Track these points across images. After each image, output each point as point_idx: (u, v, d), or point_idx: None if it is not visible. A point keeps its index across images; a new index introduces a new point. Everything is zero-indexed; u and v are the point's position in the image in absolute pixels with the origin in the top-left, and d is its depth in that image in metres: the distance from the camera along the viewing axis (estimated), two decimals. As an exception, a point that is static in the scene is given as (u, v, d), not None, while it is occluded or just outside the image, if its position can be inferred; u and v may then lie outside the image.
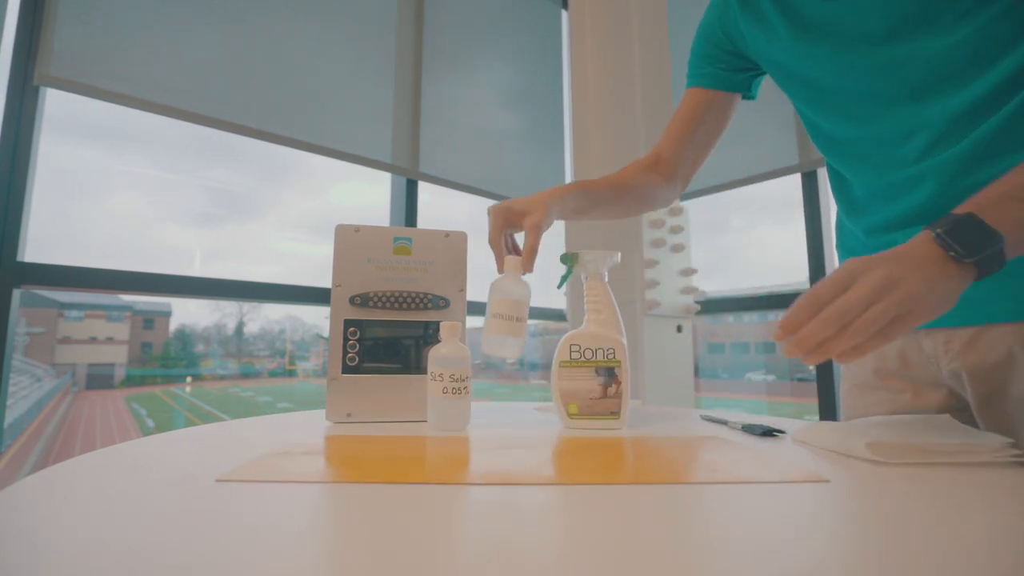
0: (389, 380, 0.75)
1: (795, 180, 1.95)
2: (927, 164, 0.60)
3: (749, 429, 0.64)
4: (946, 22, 0.57)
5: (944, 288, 0.46)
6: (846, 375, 0.78)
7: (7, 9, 1.30)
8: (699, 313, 2.11)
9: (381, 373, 0.75)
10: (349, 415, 0.73)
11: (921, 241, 0.47)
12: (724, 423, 0.71)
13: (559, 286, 0.72)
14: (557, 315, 2.42)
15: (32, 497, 0.36)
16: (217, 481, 0.40)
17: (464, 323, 0.77)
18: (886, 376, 0.71)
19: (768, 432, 0.62)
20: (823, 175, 1.87)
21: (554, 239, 2.50)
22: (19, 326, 1.32)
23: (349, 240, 0.77)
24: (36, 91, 1.32)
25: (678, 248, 2.08)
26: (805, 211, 1.90)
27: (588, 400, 0.68)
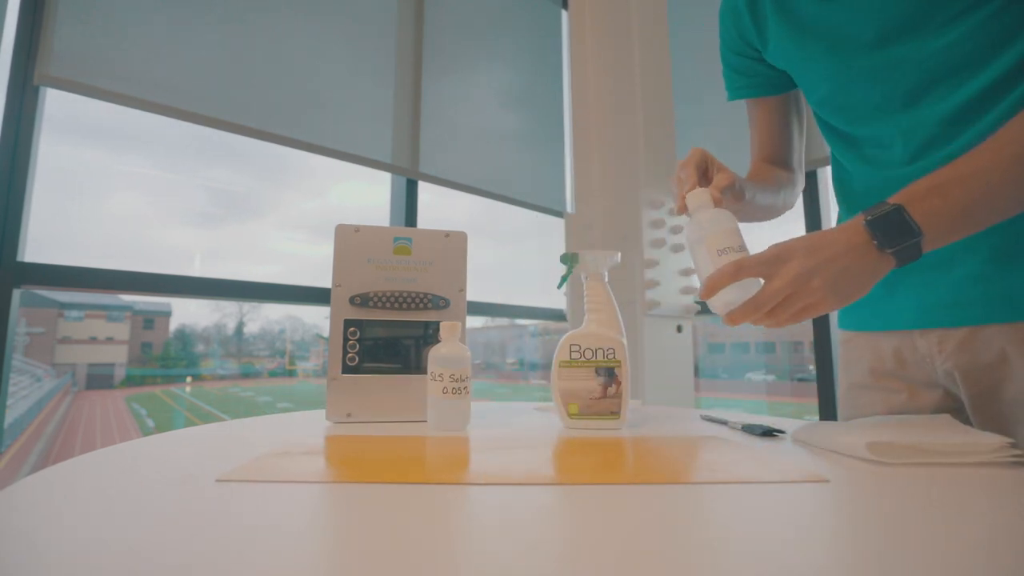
0: (389, 380, 0.75)
1: (795, 180, 1.94)
2: (920, 164, 0.61)
3: (749, 429, 0.64)
4: (938, 24, 0.57)
5: (860, 276, 0.50)
6: (843, 376, 0.78)
7: (7, 9, 1.30)
8: (699, 313, 2.11)
9: (381, 373, 0.75)
10: (349, 415, 0.73)
11: (852, 224, 0.51)
12: (724, 423, 0.71)
13: (559, 286, 0.72)
14: (557, 315, 2.42)
15: (32, 497, 0.36)
16: (217, 481, 0.40)
17: (464, 323, 0.77)
18: (882, 376, 0.71)
19: (768, 432, 0.62)
20: (823, 175, 1.87)
21: (554, 239, 2.50)
22: (19, 326, 1.32)
23: (349, 240, 0.77)
24: (36, 91, 1.32)
25: (678, 248, 2.08)
26: (805, 211, 1.90)
27: (588, 400, 0.68)
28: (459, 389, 0.67)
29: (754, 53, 0.78)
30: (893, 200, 0.50)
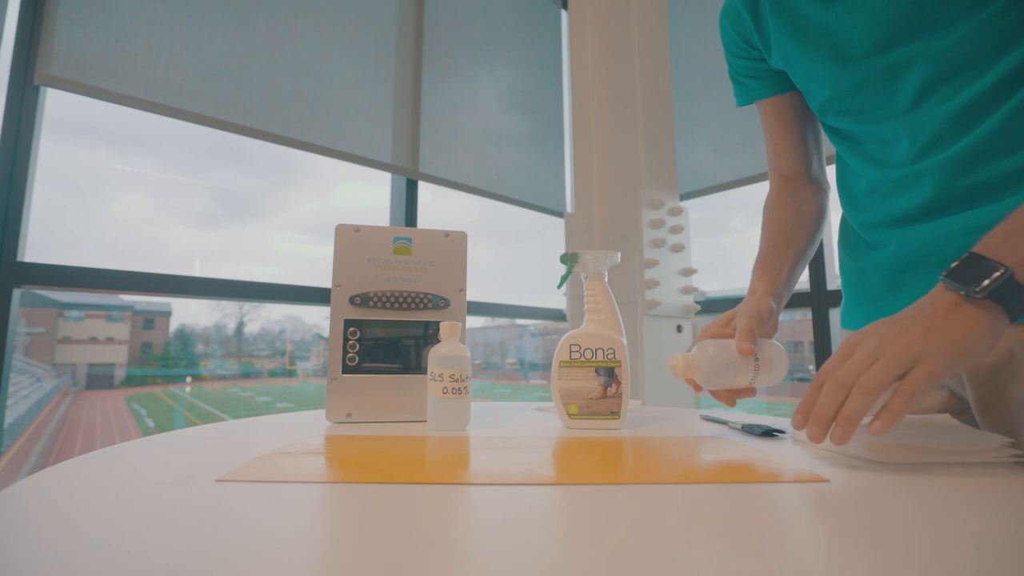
0: (389, 380, 0.75)
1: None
2: (925, 164, 0.60)
3: (749, 429, 0.64)
4: (941, 25, 0.56)
5: (954, 330, 0.44)
6: None
7: (7, 9, 1.30)
8: (699, 313, 2.11)
9: (381, 373, 0.75)
10: (349, 415, 0.73)
11: (933, 291, 0.47)
12: (724, 423, 0.71)
13: (559, 286, 0.72)
14: (557, 315, 2.42)
15: (32, 497, 0.36)
16: (217, 481, 0.40)
17: (464, 323, 0.77)
18: None
19: (768, 432, 0.62)
20: (827, 179, 1.87)
21: (554, 239, 2.50)
22: (19, 326, 1.32)
23: (349, 240, 0.77)
24: (36, 91, 1.32)
25: (678, 248, 2.08)
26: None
27: (588, 400, 0.68)
28: (459, 389, 0.67)
29: (757, 53, 0.77)
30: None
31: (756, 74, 0.79)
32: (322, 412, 0.75)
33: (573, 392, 0.68)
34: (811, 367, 1.90)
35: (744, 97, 0.82)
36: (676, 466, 0.48)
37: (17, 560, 0.26)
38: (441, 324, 0.68)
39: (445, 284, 0.79)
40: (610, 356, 0.68)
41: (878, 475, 0.43)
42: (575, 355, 0.69)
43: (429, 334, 0.77)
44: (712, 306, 2.16)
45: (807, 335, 1.86)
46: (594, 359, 0.68)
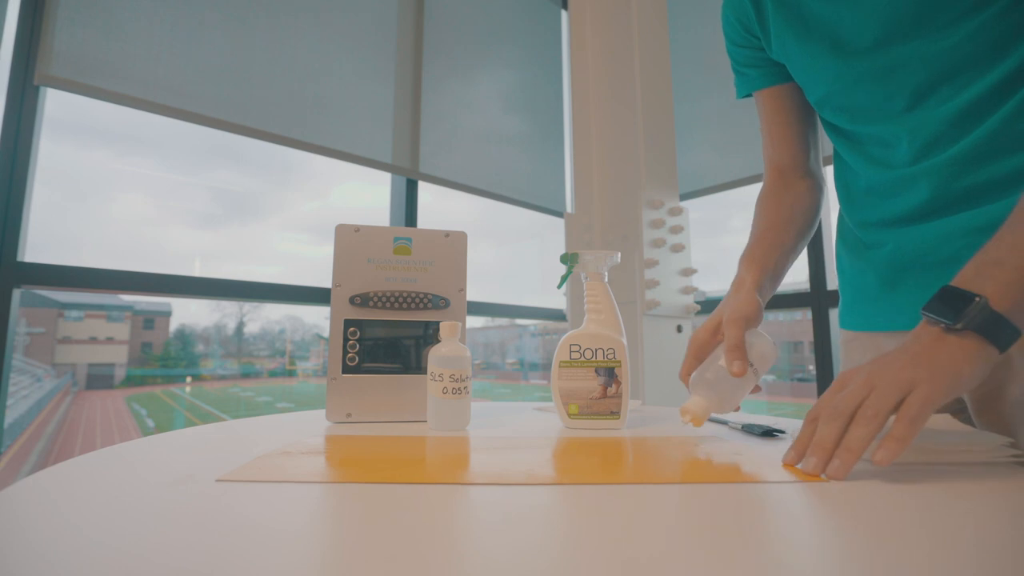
0: (389, 380, 0.75)
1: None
2: (922, 166, 0.61)
3: (749, 429, 0.65)
4: (942, 24, 0.56)
5: (943, 357, 0.44)
6: None
7: (7, 9, 1.30)
8: (699, 313, 2.11)
9: (381, 373, 0.75)
10: (349, 415, 0.73)
11: (917, 327, 0.47)
12: (724, 423, 0.71)
13: (559, 286, 0.72)
14: (557, 315, 2.42)
15: (32, 497, 0.36)
16: (217, 481, 0.40)
17: (464, 323, 0.77)
18: None
19: (768, 432, 0.62)
20: (825, 174, 1.87)
21: (554, 239, 2.49)
22: (19, 326, 1.32)
23: (349, 240, 0.77)
24: (36, 91, 1.32)
25: (678, 248, 2.08)
26: (805, 211, 1.89)
27: (588, 400, 0.68)
28: (459, 389, 0.67)
29: (757, 42, 0.76)
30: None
31: (756, 63, 0.78)
32: (322, 412, 0.75)
33: (573, 392, 0.68)
34: (811, 367, 1.90)
35: (744, 87, 0.81)
36: (676, 466, 0.48)
37: (17, 560, 0.26)
38: (441, 324, 0.68)
39: (445, 284, 0.79)
40: (610, 356, 0.68)
41: (877, 475, 0.43)
42: (575, 355, 0.69)
43: (429, 334, 0.77)
44: (712, 306, 2.15)
45: (807, 335, 1.86)
46: (594, 359, 0.69)
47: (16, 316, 1.28)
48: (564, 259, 0.73)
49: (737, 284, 0.67)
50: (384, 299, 0.76)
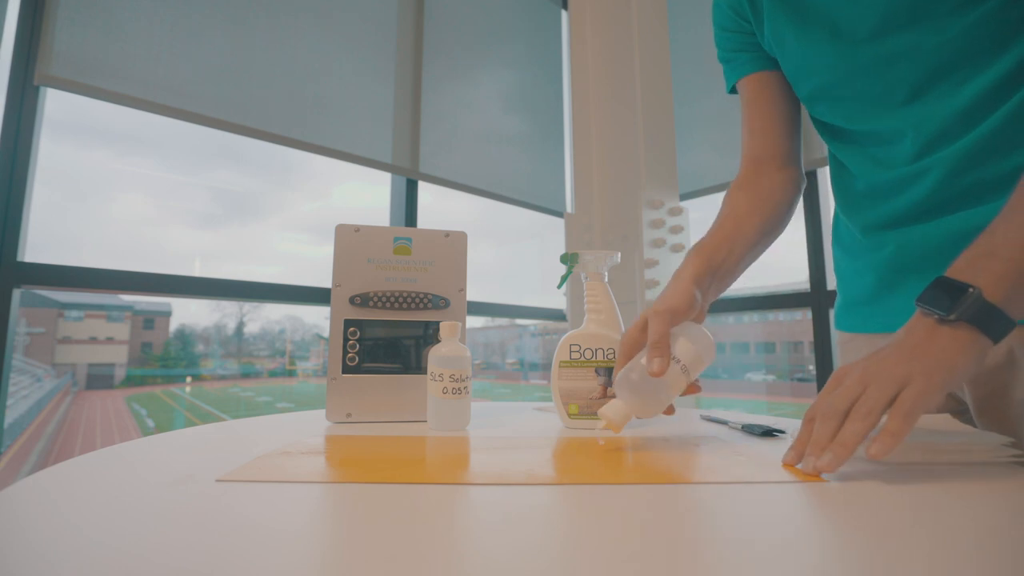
0: (389, 380, 0.75)
1: (795, 180, 1.94)
2: (926, 162, 0.60)
3: (749, 429, 0.64)
4: (941, 15, 0.55)
5: (936, 350, 0.44)
6: None
7: (7, 9, 1.30)
8: (699, 313, 2.11)
9: (381, 373, 0.75)
10: (349, 415, 0.73)
11: (910, 320, 0.47)
12: (724, 423, 0.71)
13: (559, 286, 0.72)
14: (557, 315, 2.42)
15: (32, 497, 0.36)
16: (217, 481, 0.40)
17: (464, 323, 0.77)
18: None
19: (768, 432, 0.62)
20: (823, 175, 1.87)
21: (554, 239, 2.49)
22: (19, 326, 1.32)
23: (349, 240, 0.77)
24: (36, 91, 1.32)
25: (678, 248, 2.08)
26: (805, 211, 1.90)
27: (588, 400, 0.68)
28: (459, 389, 0.67)
29: (748, 27, 0.74)
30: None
31: (745, 47, 0.75)
32: (322, 412, 0.75)
33: (573, 392, 0.68)
34: (811, 367, 1.90)
35: (732, 74, 0.78)
36: (676, 466, 0.48)
37: (17, 560, 0.26)
38: (441, 324, 0.68)
39: (445, 284, 0.79)
40: (610, 356, 0.68)
41: (877, 475, 0.43)
42: (575, 355, 0.69)
43: (429, 334, 0.77)
44: (712, 306, 2.15)
45: (807, 335, 1.86)
46: (594, 359, 0.69)
47: (16, 316, 1.28)
48: (564, 259, 0.73)
49: (674, 275, 0.64)
50: (384, 299, 0.76)
